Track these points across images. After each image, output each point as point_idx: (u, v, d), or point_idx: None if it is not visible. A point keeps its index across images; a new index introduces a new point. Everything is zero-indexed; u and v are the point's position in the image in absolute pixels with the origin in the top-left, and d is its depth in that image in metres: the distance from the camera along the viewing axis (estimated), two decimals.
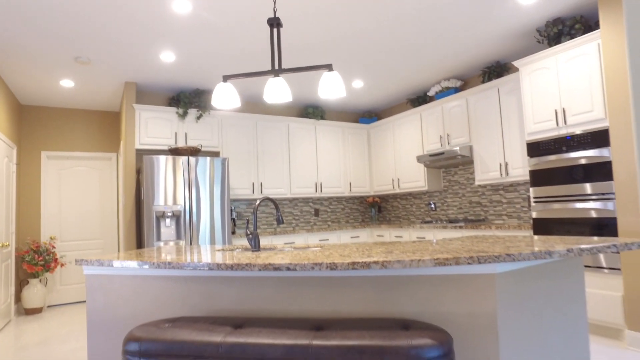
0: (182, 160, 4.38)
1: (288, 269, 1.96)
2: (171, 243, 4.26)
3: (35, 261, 4.98)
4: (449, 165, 5.16)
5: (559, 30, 3.63)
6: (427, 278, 2.04)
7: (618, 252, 2.70)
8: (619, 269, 3.14)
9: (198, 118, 4.95)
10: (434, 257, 1.85)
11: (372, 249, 2.29)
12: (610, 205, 3.18)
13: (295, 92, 5.45)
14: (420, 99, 5.60)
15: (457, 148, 4.63)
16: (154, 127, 4.73)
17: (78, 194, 5.65)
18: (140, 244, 4.62)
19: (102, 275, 2.56)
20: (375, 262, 1.88)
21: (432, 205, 5.51)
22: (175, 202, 4.31)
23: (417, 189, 5.42)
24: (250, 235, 2.66)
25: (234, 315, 2.32)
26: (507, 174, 4.28)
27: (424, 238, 4.88)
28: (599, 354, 2.95)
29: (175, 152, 4.55)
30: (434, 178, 5.37)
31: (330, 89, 2.46)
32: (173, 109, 4.84)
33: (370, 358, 1.66)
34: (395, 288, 2.08)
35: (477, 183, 4.61)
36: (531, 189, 3.74)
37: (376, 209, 6.32)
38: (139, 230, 4.67)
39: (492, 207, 4.80)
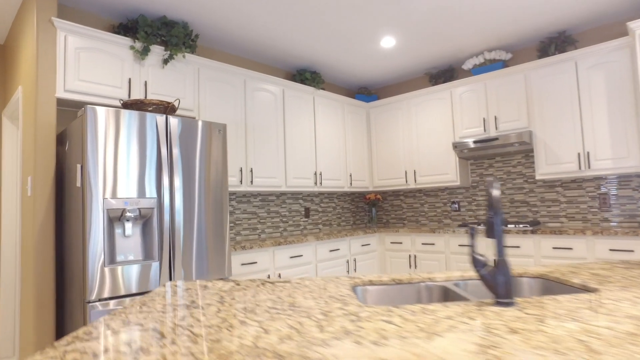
0: (150, 121, 2.56)
1: None
2: (135, 267, 2.41)
3: None
4: (490, 155, 4.20)
5: None
6: None
7: None
8: None
9: (165, 62, 3.10)
10: None
11: None
12: None
13: (283, 47, 3.92)
14: (446, 74, 4.56)
15: (514, 133, 3.70)
16: (92, 64, 2.76)
17: None
18: (62, 270, 2.61)
19: None
20: None
21: (456, 205, 4.52)
22: (140, 194, 2.48)
23: (444, 183, 4.35)
24: (488, 274, 1.21)
25: None
26: (588, 166, 3.47)
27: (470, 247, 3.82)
28: None
29: (135, 106, 2.68)
30: (463, 171, 4.38)
31: None
32: (127, 41, 2.92)
33: None
34: None
35: (539, 177, 3.72)
36: None
37: (376, 209, 5.09)
38: (60, 244, 2.66)
39: (544, 207, 3.98)
